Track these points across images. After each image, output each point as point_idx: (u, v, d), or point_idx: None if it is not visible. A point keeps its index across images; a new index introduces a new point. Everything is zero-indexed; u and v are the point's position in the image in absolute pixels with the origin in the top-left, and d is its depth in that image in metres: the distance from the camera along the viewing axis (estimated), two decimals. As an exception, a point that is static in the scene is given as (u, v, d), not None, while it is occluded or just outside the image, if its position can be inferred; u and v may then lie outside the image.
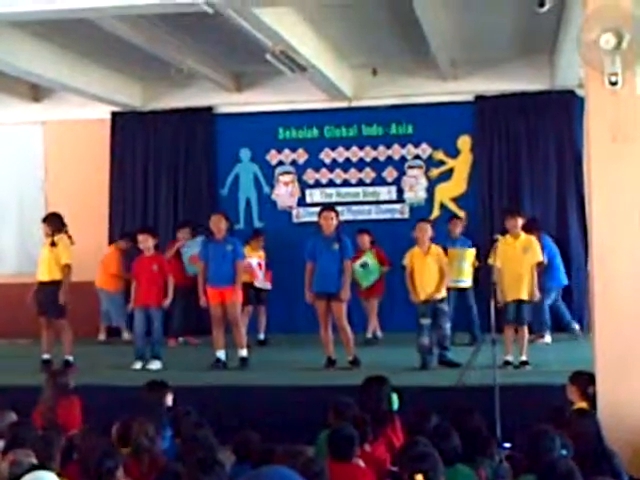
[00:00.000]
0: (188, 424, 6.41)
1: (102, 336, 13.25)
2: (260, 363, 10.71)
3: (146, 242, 11.00)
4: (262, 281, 12.47)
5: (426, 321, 9.96)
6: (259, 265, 12.40)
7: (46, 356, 10.61)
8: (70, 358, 10.61)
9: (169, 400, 7.30)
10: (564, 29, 10.51)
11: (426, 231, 10.15)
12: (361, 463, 5.62)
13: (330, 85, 12.59)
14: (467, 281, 11.73)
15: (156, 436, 6.09)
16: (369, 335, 12.23)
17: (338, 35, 11.59)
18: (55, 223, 10.72)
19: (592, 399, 7.08)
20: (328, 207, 10.64)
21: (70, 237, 10.73)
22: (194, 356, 11.51)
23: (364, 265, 11.90)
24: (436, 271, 10.05)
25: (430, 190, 13.74)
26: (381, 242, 12.54)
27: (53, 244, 10.57)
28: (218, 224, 10.69)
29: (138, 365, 10.59)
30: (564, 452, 5.41)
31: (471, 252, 11.78)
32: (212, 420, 6.50)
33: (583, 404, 6.96)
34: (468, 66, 13.09)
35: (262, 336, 12.68)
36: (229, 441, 6.09)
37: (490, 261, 9.76)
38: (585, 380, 7.20)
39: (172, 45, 11.36)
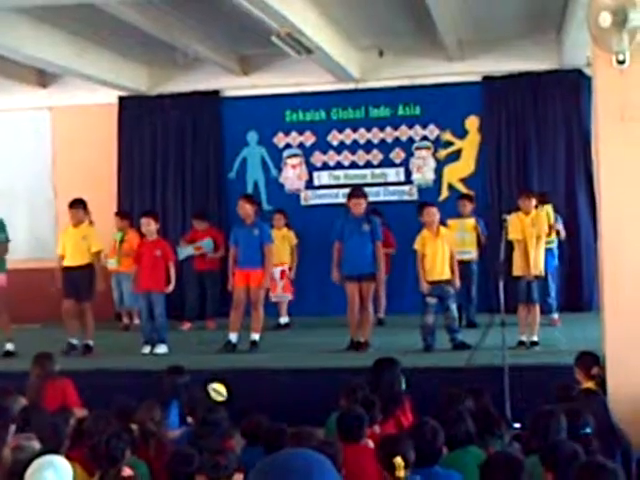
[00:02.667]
0: (202, 408, 6.44)
1: (126, 320, 13.13)
2: (273, 346, 10.74)
3: (148, 226, 10.96)
4: (280, 293, 12.43)
5: (432, 300, 9.96)
6: (282, 273, 12.36)
7: (74, 340, 10.67)
8: (91, 342, 10.68)
9: (182, 384, 7.35)
10: (572, 8, 10.46)
11: (435, 215, 10.14)
12: (370, 444, 5.64)
13: (337, 67, 12.56)
14: (471, 252, 11.66)
15: (163, 420, 6.12)
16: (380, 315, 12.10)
17: (344, 16, 11.54)
18: (84, 208, 10.79)
19: (597, 379, 7.08)
20: (357, 192, 10.44)
21: (92, 222, 10.86)
22: (206, 339, 11.48)
23: None
24: (447, 252, 10.07)
25: (438, 171, 13.71)
26: (389, 224, 12.51)
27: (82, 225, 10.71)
28: (241, 209, 10.73)
29: (147, 349, 10.61)
30: (588, 430, 5.41)
31: (470, 222, 11.73)
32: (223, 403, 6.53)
33: (589, 384, 6.96)
34: (475, 46, 13.02)
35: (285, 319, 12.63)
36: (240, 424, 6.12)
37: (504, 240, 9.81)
38: (589, 361, 7.20)
39: (178, 29, 11.34)
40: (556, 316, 11.61)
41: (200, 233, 12.91)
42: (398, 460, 4.50)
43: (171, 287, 10.79)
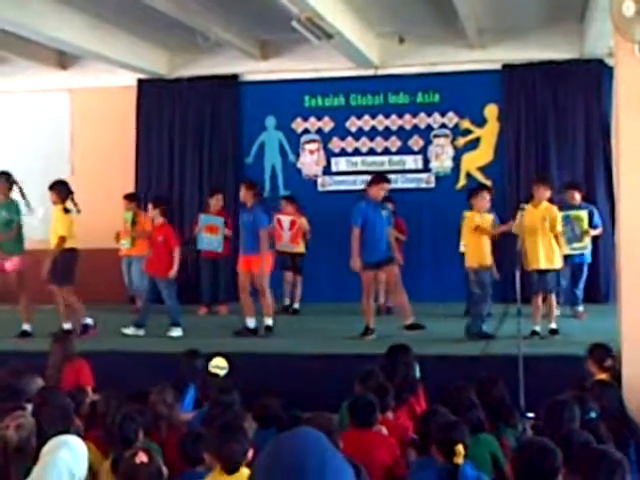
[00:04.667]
0: (215, 389, 6.46)
1: (140, 302, 12.65)
2: (290, 331, 10.79)
3: (153, 211, 11.12)
4: (286, 243, 12.29)
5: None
6: (292, 223, 12.24)
7: (66, 325, 10.64)
8: (87, 321, 10.67)
9: (198, 367, 7.40)
10: (594, -3, 10.38)
11: (486, 199, 10.11)
12: (384, 430, 5.65)
13: (356, 53, 12.52)
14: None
15: (176, 403, 6.15)
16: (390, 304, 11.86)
17: (365, 2, 11.50)
18: (57, 192, 10.74)
19: (611, 371, 7.06)
20: (383, 178, 10.44)
21: (76, 204, 10.78)
22: (220, 323, 11.55)
23: None
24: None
25: (456, 159, 13.66)
26: (407, 211, 12.49)
27: (66, 210, 10.64)
28: (243, 194, 10.84)
29: (128, 330, 10.60)
30: (593, 415, 5.42)
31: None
32: (237, 387, 6.55)
33: (603, 375, 6.94)
34: (496, 34, 12.95)
35: (297, 305, 12.65)
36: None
37: (513, 229, 9.74)
38: (602, 352, 7.17)
39: (198, 13, 11.32)
40: (581, 308, 11.50)
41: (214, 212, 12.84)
42: (459, 448, 4.62)
43: (172, 273, 10.73)
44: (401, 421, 6.23)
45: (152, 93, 14.42)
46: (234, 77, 14.22)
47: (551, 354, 8.76)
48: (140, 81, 14.42)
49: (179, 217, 13.95)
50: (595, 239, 11.56)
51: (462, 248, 10.62)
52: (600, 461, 3.97)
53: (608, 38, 9.98)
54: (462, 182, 13.55)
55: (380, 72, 13.69)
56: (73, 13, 11.46)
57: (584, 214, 11.11)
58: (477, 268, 9.89)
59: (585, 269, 11.54)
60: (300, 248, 12.52)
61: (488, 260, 9.98)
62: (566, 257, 10.54)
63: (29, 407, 6.02)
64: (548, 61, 13.10)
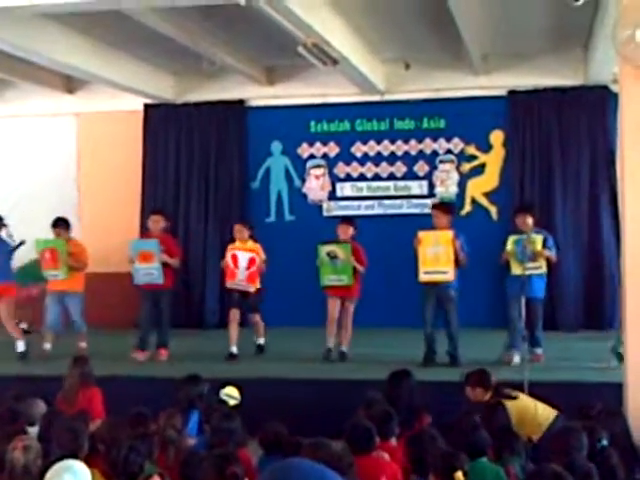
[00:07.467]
0: (218, 415, 6.44)
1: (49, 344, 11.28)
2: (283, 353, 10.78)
3: (156, 223, 11.03)
4: (241, 281, 10.73)
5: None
6: (251, 261, 10.68)
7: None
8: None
9: (199, 393, 7.37)
10: (599, 24, 10.42)
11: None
12: (386, 457, 5.62)
13: (362, 78, 12.56)
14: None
15: (183, 428, 6.13)
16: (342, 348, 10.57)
17: (371, 28, 11.55)
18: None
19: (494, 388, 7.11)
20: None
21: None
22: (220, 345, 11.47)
23: (332, 255, 10.39)
24: None
25: (462, 185, 13.68)
26: (412, 236, 12.31)
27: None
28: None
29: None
30: (605, 443, 5.40)
31: (446, 236, 9.92)
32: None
33: (487, 396, 6.97)
34: (501, 60, 13.01)
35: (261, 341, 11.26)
36: (256, 433, 6.11)
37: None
38: (479, 377, 7.26)
39: (205, 38, 11.38)
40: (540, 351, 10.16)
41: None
42: (459, 475, 4.70)
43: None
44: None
45: (158, 118, 14.48)
46: (240, 102, 14.27)
47: (556, 380, 8.72)
48: (146, 106, 14.49)
49: (184, 241, 13.97)
50: (550, 266, 10.17)
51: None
52: None
53: (612, 64, 10.03)
54: (467, 208, 13.56)
55: (386, 98, 13.73)
56: (80, 38, 11.52)
57: (538, 238, 9.95)
58: None
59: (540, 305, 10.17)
60: (253, 288, 10.81)
61: None
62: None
63: (32, 430, 6.01)
64: (553, 87, 13.13)
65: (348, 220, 10.87)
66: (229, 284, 10.79)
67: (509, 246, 9.90)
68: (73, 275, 10.96)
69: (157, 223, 10.96)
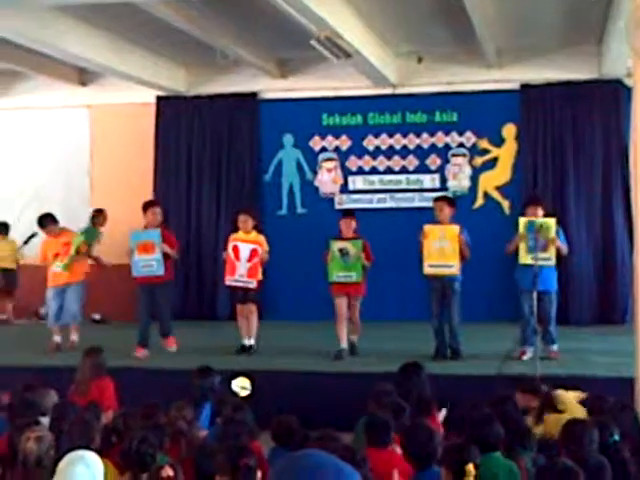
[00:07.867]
0: (228, 407, 6.46)
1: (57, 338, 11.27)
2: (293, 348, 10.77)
3: (156, 216, 10.91)
4: (242, 276, 10.42)
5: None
6: (253, 252, 10.39)
7: None
8: None
9: (211, 384, 7.40)
10: (613, 18, 10.38)
11: None
12: (398, 450, 5.63)
13: (375, 72, 12.55)
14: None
15: (194, 420, 6.15)
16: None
17: (383, 22, 11.55)
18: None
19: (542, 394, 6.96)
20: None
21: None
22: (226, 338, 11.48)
23: (344, 252, 10.26)
24: None
25: (474, 179, 13.65)
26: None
27: None
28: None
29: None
30: (616, 437, 5.40)
31: (452, 230, 9.88)
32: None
33: (535, 402, 6.85)
34: (514, 54, 12.98)
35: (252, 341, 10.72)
36: (268, 425, 6.13)
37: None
38: (528, 384, 7.21)
39: (218, 31, 11.40)
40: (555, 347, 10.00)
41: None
42: (470, 467, 4.66)
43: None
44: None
45: (171, 110, 14.50)
46: (253, 95, 14.27)
47: (567, 375, 8.71)
48: (159, 98, 14.51)
49: (196, 234, 14.00)
50: (560, 259, 9.93)
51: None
52: None
53: (626, 58, 9.99)
54: (480, 201, 13.54)
55: (398, 91, 13.72)
56: (93, 30, 11.55)
57: (551, 221, 9.76)
58: None
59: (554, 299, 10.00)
60: (254, 284, 10.48)
61: None
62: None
63: (44, 421, 6.04)
64: (566, 81, 13.09)
65: (350, 213, 10.78)
66: (229, 281, 10.56)
67: (521, 229, 9.63)
68: (72, 267, 11.03)
69: (157, 215, 10.83)
